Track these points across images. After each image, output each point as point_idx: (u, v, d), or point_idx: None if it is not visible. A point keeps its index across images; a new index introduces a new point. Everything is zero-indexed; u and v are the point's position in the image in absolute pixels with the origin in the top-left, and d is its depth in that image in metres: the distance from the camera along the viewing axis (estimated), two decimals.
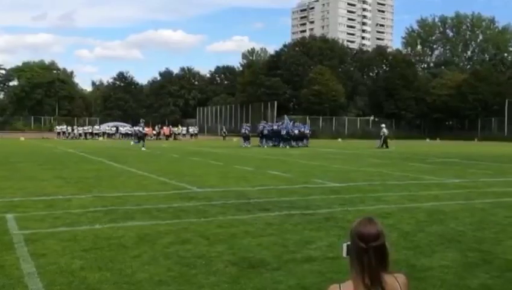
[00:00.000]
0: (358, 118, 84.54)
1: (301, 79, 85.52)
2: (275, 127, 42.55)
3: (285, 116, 46.22)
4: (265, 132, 41.75)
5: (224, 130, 69.71)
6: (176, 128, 68.39)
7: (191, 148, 36.79)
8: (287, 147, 39.62)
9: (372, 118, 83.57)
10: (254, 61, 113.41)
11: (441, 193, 12.64)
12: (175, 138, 63.39)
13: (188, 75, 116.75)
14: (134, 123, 76.88)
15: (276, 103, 78.23)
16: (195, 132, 69.47)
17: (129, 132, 68.44)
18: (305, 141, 41.79)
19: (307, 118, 72.08)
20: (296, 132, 41.57)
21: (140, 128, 39.77)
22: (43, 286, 5.10)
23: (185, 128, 70.51)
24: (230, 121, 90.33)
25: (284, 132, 41.03)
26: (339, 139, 66.68)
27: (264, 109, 79.47)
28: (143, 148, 34.75)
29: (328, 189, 13.17)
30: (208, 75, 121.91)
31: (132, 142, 37.07)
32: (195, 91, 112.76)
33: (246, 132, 42.44)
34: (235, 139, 60.23)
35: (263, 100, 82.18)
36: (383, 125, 42.89)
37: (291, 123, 43.39)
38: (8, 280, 5.26)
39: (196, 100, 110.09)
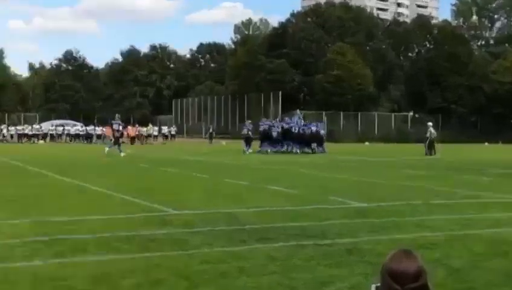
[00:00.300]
0: (393, 114, 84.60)
1: (315, 61, 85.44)
2: (285, 126, 42.33)
3: (298, 111, 46.00)
4: (275, 133, 41.43)
5: (211, 130, 69.70)
6: (144, 129, 68.22)
7: (165, 156, 36.75)
8: (299, 151, 39.79)
9: (411, 113, 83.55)
10: (251, 37, 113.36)
11: (503, 216, 12.64)
12: (143, 142, 63.34)
13: (160, 56, 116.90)
14: (87, 122, 76.71)
15: (280, 93, 78.16)
16: (172, 132, 69.44)
17: (80, 133, 68.43)
18: (320, 147, 41.80)
19: (323, 114, 71.99)
20: (313, 129, 41.62)
21: (119, 126, 38.88)
22: None
23: (156, 128, 70.43)
24: (218, 118, 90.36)
25: (296, 131, 41.15)
26: (366, 143, 66.90)
27: (265, 102, 79.41)
28: (122, 154, 34.56)
29: (351, 210, 13.16)
30: (188, 55, 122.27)
31: (107, 148, 36.22)
32: (171, 77, 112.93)
33: (249, 133, 42.23)
34: (224, 142, 60.32)
35: (263, 90, 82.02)
36: (430, 123, 42.62)
37: (301, 121, 43.45)
38: None
39: (172, 90, 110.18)
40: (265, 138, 41.85)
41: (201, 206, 13.57)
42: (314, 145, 41.29)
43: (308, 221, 11.59)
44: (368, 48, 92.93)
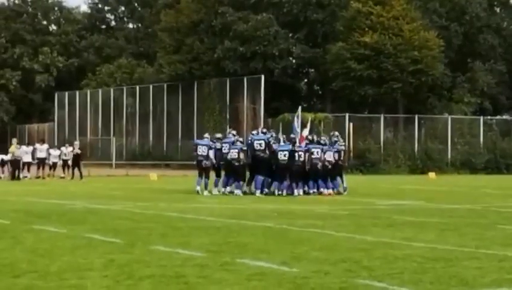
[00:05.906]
0: (481, 119, 52.85)
1: (330, 17, 53.54)
2: (266, 137, 24.42)
3: (299, 110, 28.35)
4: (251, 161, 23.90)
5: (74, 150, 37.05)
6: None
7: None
8: (301, 192, 24.19)
9: None
10: None
11: None
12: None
13: (33, 11, 73.53)
14: None
15: (263, 79, 48.20)
16: (66, 156, 37.68)
17: None
18: (335, 181, 25.27)
19: (346, 116, 47.00)
20: (322, 153, 24.29)
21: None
22: None
23: (26, 149, 37.39)
24: (143, 127, 57.75)
25: (300, 148, 23.96)
26: (431, 174, 42.85)
27: (235, 96, 50.88)
28: None
29: None
30: (84, 7, 79.87)
31: None
32: (52, 50, 69.38)
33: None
34: (153, 174, 41.07)
35: (230, 72, 52.39)
36: None
37: (299, 129, 25.76)
38: None
39: (54, 74, 68.55)
40: (231, 168, 24.21)
41: None
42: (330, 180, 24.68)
43: None
44: None
